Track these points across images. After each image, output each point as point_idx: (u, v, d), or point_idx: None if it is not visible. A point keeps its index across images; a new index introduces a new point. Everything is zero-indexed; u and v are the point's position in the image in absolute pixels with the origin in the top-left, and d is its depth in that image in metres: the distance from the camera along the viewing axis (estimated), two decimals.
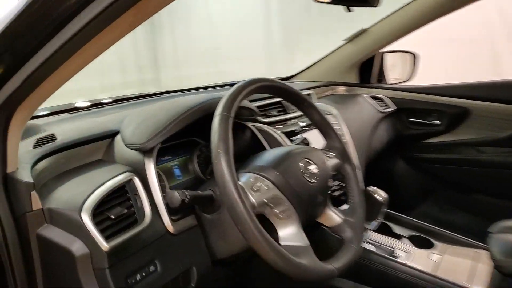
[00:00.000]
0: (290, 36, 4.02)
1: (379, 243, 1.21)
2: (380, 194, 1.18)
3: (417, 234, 1.28)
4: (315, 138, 1.16)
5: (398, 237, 1.27)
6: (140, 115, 0.91)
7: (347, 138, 1.43)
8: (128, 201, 0.78)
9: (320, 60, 1.94)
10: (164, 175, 0.97)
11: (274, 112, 1.26)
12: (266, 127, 1.12)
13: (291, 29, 4.01)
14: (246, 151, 1.10)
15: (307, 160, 0.84)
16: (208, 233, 0.87)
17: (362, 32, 1.77)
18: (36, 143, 0.85)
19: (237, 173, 0.78)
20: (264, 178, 0.76)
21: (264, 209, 0.74)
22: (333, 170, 0.93)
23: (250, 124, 1.10)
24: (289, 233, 0.75)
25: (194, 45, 4.86)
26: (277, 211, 0.75)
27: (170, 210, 0.82)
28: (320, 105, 1.51)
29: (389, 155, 1.86)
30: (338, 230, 0.88)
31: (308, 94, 1.49)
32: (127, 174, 0.80)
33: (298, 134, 1.23)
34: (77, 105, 1.25)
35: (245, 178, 0.76)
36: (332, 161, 0.93)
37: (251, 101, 1.20)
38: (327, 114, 1.46)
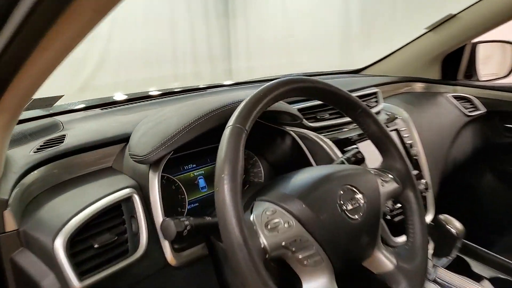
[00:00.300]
0: (369, 23, 3.69)
1: (450, 284, 0.97)
2: (455, 225, 0.94)
3: (503, 277, 1.03)
4: (372, 151, 0.94)
5: (477, 278, 1.03)
6: (151, 120, 0.78)
7: (418, 148, 1.20)
8: (122, 225, 0.65)
9: (396, 51, 1.70)
10: (184, 187, 0.84)
11: (325, 115, 1.05)
12: (311, 134, 0.93)
13: (370, 15, 3.68)
14: (287, 163, 0.93)
15: (351, 187, 0.64)
16: (222, 265, 0.72)
17: (449, 18, 1.48)
18: (40, 146, 0.76)
19: (253, 201, 0.61)
20: (285, 212, 0.58)
21: (284, 253, 0.57)
22: (390, 197, 0.73)
23: (291, 129, 0.91)
24: (317, 286, 0.57)
25: (267, 34, 4.75)
26: (301, 257, 0.56)
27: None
28: (387, 106, 1.28)
29: (474, 168, 1.57)
30: (389, 279, 0.67)
31: (374, 93, 1.25)
32: (126, 190, 0.68)
33: (355, 144, 1.02)
34: (115, 99, 1.16)
35: (259, 209, 0.58)
36: (388, 186, 0.72)
37: (295, 102, 1.01)
38: (396, 117, 1.23)
